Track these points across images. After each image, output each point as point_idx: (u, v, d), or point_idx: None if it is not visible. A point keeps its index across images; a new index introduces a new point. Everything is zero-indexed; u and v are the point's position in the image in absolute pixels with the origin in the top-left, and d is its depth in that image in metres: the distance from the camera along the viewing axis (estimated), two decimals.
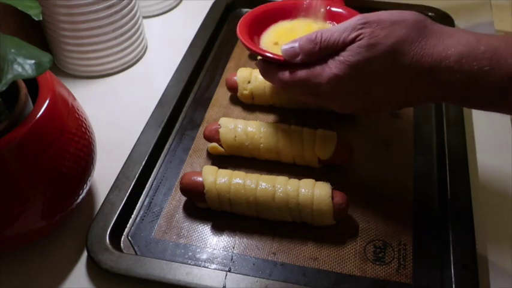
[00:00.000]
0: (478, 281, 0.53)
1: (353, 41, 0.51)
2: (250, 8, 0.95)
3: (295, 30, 0.67)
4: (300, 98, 0.63)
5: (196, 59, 0.82)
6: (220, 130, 0.67)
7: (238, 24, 0.64)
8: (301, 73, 0.55)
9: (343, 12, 0.67)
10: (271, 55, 0.58)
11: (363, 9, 0.94)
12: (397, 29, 0.50)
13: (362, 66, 0.51)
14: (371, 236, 0.59)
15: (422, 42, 0.50)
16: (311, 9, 0.68)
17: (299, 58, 0.55)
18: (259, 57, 0.62)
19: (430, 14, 0.90)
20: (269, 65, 0.59)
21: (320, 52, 0.54)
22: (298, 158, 0.66)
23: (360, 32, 0.51)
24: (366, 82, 0.53)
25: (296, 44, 0.55)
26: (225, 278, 0.54)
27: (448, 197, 0.61)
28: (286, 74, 0.56)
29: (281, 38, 0.66)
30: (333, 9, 0.68)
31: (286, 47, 0.56)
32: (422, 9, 0.91)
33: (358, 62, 0.51)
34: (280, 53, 0.57)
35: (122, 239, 0.60)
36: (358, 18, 0.52)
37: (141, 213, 0.63)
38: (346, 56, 0.52)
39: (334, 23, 0.67)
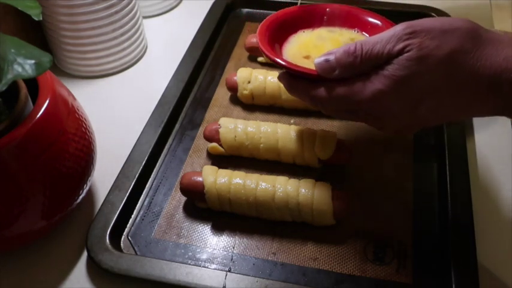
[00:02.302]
0: (478, 281, 0.53)
1: (400, 53, 0.46)
2: (250, 8, 0.96)
3: (323, 41, 0.60)
4: (334, 115, 0.57)
5: (196, 59, 0.82)
6: (220, 130, 0.67)
7: (258, 35, 0.57)
8: (340, 90, 0.49)
9: (373, 20, 0.60)
10: (300, 69, 0.52)
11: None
12: (449, 38, 0.45)
13: (411, 81, 0.46)
14: (371, 236, 0.59)
15: (478, 52, 0.45)
16: (335, 17, 0.62)
17: (336, 73, 0.49)
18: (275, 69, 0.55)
19: (430, 13, 0.90)
20: (297, 81, 0.53)
21: (361, 66, 0.48)
22: (298, 158, 0.66)
23: (407, 42, 0.46)
24: (414, 98, 0.47)
25: (332, 57, 0.49)
26: (225, 278, 0.54)
27: (448, 197, 0.61)
28: (321, 91, 0.50)
29: (309, 50, 0.59)
30: (361, 16, 0.61)
31: (320, 60, 0.50)
32: (422, 9, 0.91)
33: (407, 76, 0.46)
34: (309, 67, 0.52)
35: (122, 239, 0.60)
36: (403, 27, 0.47)
37: (141, 213, 0.63)
38: (392, 70, 0.46)
39: (364, 32, 0.60)
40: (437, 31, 0.46)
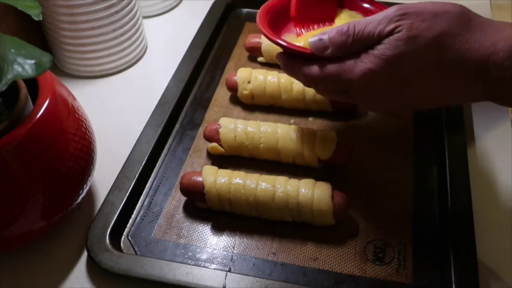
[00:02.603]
0: (478, 281, 0.53)
1: (390, 33, 0.47)
2: (250, 8, 0.96)
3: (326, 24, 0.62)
4: (327, 95, 0.58)
5: (196, 59, 0.82)
6: (220, 130, 0.67)
7: (258, 15, 0.59)
8: (331, 68, 0.50)
9: (371, 7, 0.62)
10: (296, 48, 0.53)
11: None
12: (439, 21, 0.47)
13: (400, 60, 0.47)
14: (371, 236, 0.59)
15: (467, 36, 0.46)
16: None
17: (329, 51, 0.50)
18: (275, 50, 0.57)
19: None
20: (293, 59, 0.54)
21: (353, 45, 0.49)
22: (298, 158, 0.66)
23: (398, 23, 0.47)
24: (403, 78, 0.48)
25: (325, 36, 0.50)
26: (225, 278, 0.54)
27: (448, 197, 0.61)
28: (314, 69, 0.52)
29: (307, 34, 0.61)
30: (360, 3, 0.62)
31: (314, 39, 0.51)
32: None
33: (396, 56, 0.47)
34: (306, 47, 0.53)
35: (122, 239, 0.60)
36: (395, 9, 0.48)
37: (141, 213, 0.63)
38: (382, 49, 0.48)
39: (361, 14, 0.62)
40: (428, 13, 0.47)
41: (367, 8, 0.62)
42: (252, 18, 0.94)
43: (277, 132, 0.66)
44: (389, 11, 0.48)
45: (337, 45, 0.50)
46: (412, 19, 0.47)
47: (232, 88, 0.76)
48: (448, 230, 0.58)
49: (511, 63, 0.45)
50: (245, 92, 0.74)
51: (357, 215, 0.61)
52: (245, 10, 0.96)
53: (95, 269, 0.57)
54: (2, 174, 0.49)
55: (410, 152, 0.69)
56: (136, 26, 0.85)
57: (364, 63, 0.49)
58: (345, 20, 0.62)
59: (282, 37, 0.58)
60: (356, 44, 0.49)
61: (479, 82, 0.47)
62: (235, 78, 0.75)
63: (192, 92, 0.79)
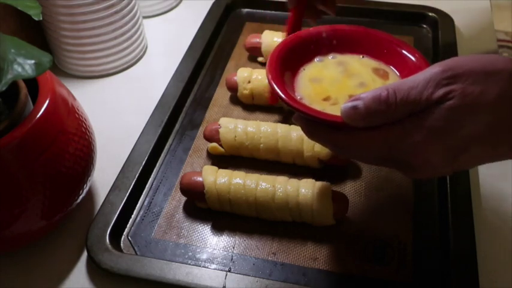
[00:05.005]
0: (477, 281, 0.53)
1: (440, 101, 0.40)
2: (250, 8, 0.96)
3: (341, 75, 0.53)
4: (358, 160, 0.51)
5: (196, 59, 0.82)
6: (220, 130, 0.67)
7: (268, 70, 0.49)
8: (370, 140, 0.43)
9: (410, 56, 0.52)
10: (327, 118, 0.45)
11: (359, 9, 0.94)
12: (493, 82, 0.40)
13: (454, 131, 0.41)
14: (371, 236, 0.59)
15: None
16: (352, 41, 0.54)
17: (366, 122, 0.43)
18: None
19: (430, 14, 0.90)
20: (318, 126, 0.46)
21: (395, 114, 0.42)
22: (298, 158, 0.66)
23: (447, 89, 0.40)
24: (456, 149, 0.42)
25: (360, 103, 0.42)
26: (225, 278, 0.54)
27: (448, 197, 0.61)
28: (348, 140, 0.45)
29: (327, 88, 0.51)
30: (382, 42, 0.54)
31: (347, 107, 0.43)
32: (422, 9, 0.91)
33: (450, 127, 0.41)
34: (330, 109, 0.47)
35: (122, 239, 0.60)
36: (440, 70, 0.41)
37: (141, 213, 0.63)
38: (433, 120, 0.41)
39: (382, 63, 0.53)
40: (479, 74, 0.41)
41: (405, 57, 0.52)
42: (252, 18, 0.94)
43: (277, 132, 0.66)
44: (434, 72, 0.41)
45: (375, 115, 0.42)
46: (463, 82, 0.40)
47: (232, 88, 0.76)
48: (448, 230, 0.58)
49: None
50: (245, 92, 0.74)
51: (357, 215, 0.61)
52: (245, 10, 0.96)
53: (94, 269, 0.57)
54: (2, 174, 0.49)
55: None
56: (137, 26, 0.85)
57: (412, 136, 0.42)
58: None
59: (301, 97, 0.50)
60: (399, 113, 0.42)
61: None
62: (235, 78, 0.75)
63: (192, 92, 0.79)
